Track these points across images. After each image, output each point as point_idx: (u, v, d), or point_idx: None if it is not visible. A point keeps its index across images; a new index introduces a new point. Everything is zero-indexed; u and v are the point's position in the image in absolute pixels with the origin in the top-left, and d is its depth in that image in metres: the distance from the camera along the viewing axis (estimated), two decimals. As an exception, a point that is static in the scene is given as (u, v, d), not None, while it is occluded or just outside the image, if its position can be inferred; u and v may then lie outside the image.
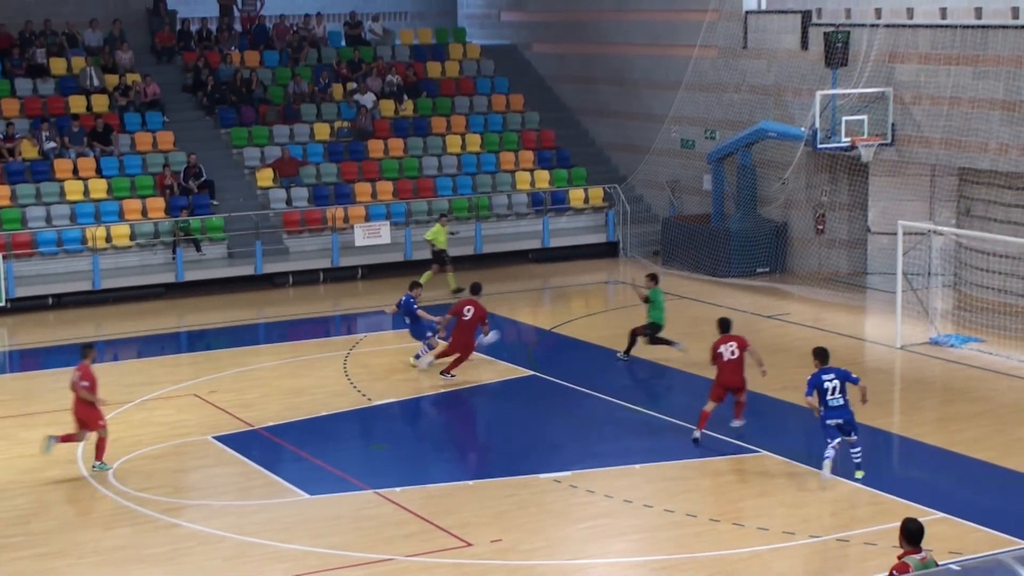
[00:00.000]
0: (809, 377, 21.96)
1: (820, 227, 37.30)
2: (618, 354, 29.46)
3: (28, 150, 38.10)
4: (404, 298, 29.02)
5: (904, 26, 34.83)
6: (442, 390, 27.37)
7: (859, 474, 22.01)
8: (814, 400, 21.78)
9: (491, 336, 28.55)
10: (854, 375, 21.97)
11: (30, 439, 24.34)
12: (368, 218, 38.75)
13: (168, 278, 36.29)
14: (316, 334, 32.71)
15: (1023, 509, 21.44)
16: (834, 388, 21.73)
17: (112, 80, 41.10)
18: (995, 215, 33.53)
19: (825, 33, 35.06)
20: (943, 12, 34.95)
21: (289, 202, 38.91)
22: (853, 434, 21.88)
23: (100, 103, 40.40)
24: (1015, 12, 33.27)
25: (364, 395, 26.99)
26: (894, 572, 14.10)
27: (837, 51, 34.63)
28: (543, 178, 41.79)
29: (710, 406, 23.95)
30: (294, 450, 23.98)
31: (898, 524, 14.47)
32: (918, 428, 24.80)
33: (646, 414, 25.74)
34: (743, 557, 19.24)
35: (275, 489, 22.13)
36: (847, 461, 21.85)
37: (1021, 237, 30.22)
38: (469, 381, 28.07)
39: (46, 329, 33.48)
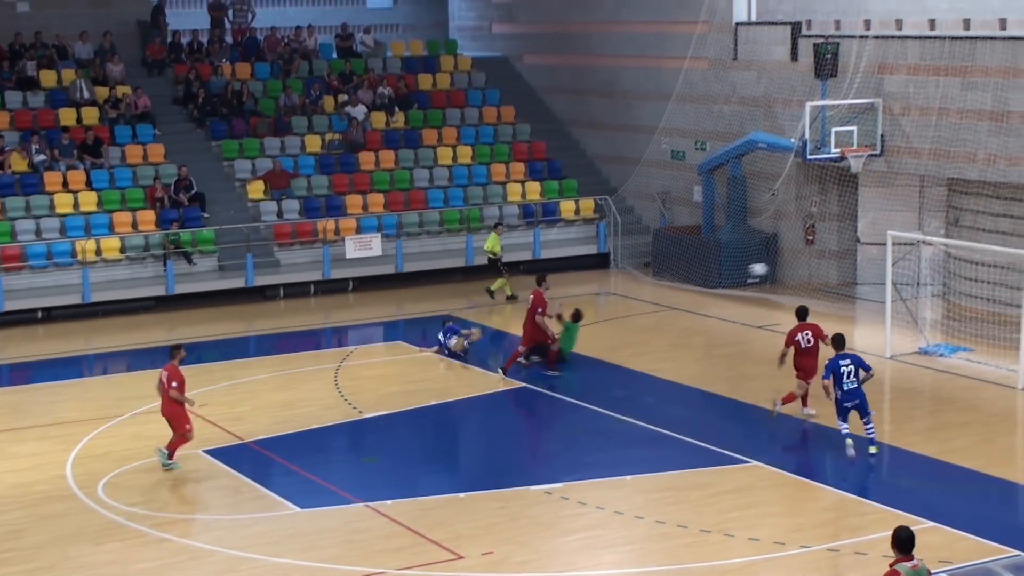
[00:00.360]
0: (827, 362, 23.45)
1: (810, 238, 37.36)
2: (521, 360, 30.00)
3: (18, 163, 38.07)
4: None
5: (893, 37, 34.93)
6: (432, 402, 27.38)
7: (873, 449, 23.62)
8: (830, 383, 23.38)
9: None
10: (866, 363, 23.63)
11: (20, 453, 24.38)
12: (359, 230, 38.76)
13: (159, 291, 36.27)
14: (307, 347, 32.69)
15: (1012, 518, 21.56)
16: (849, 372, 23.37)
17: (102, 93, 41.10)
18: (983, 225, 33.61)
19: (815, 44, 35.13)
20: (932, 23, 35.06)
21: (280, 214, 38.92)
22: (868, 413, 23.58)
23: (90, 116, 40.40)
24: (1003, 23, 33.39)
25: (355, 408, 26.99)
26: (886, 580, 14.21)
27: (826, 62, 34.69)
28: (534, 190, 41.84)
29: (798, 390, 25.40)
30: (285, 463, 23.97)
31: (888, 534, 14.51)
32: (908, 437, 24.83)
33: (637, 425, 25.75)
34: (734, 568, 19.26)
35: (266, 503, 22.13)
36: (853, 463, 21.90)
37: (1009, 247, 30.27)
38: (460, 393, 28.11)
39: (36, 343, 33.46)
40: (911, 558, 14.22)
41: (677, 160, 40.81)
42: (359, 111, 42.43)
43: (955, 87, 32.93)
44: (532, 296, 29.61)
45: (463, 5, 50.80)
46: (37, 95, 40.91)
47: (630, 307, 35.92)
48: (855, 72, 34.57)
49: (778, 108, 37.31)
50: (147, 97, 41.19)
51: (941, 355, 29.72)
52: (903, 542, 14.28)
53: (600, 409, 26.77)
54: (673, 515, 21.18)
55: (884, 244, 30.73)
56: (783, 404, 25.48)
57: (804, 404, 25.78)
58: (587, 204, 41.57)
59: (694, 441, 24.70)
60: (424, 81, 45.46)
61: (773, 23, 38.17)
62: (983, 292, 31.82)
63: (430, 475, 23.83)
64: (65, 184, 37.85)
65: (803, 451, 24.72)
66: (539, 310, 29.27)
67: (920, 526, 19.95)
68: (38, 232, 36.52)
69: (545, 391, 28.11)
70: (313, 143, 41.52)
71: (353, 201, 39.69)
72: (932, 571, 14.66)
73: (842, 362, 23.42)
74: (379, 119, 42.91)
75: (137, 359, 31.77)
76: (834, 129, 34.15)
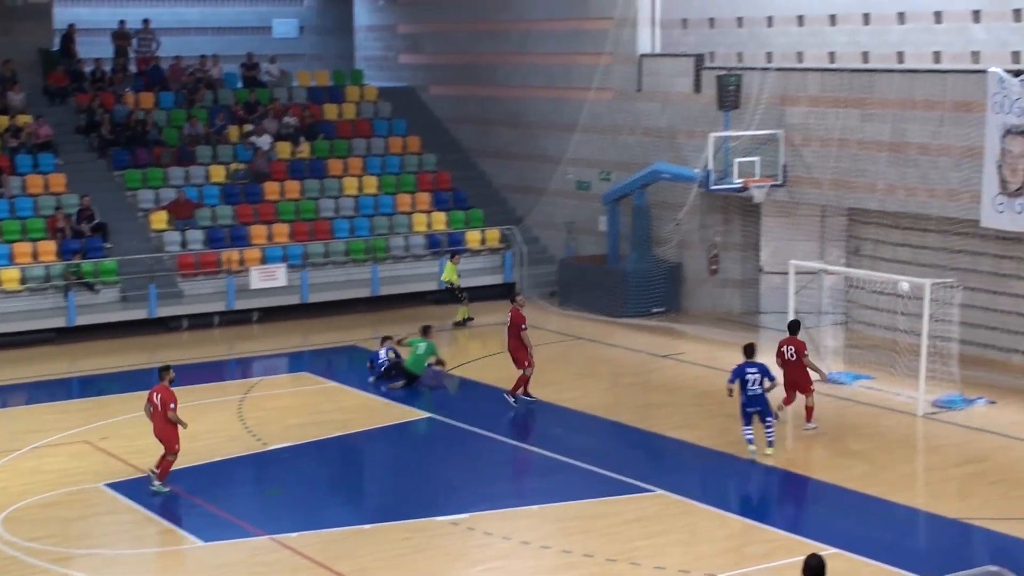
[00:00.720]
0: (735, 367, 24.90)
1: (714, 267, 37.64)
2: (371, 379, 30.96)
3: (-82, 194, 37.65)
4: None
5: (794, 70, 35.33)
6: (337, 434, 27.29)
7: (770, 451, 24.93)
8: (735, 387, 24.85)
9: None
10: (772, 374, 25.03)
11: (-82, 487, 24.05)
12: (264, 261, 38.58)
13: (60, 322, 35.89)
14: (211, 378, 32.46)
15: (914, 543, 21.83)
16: (755, 380, 24.78)
17: (2, 121, 40.67)
18: (883, 254, 34.03)
19: (718, 76, 35.45)
20: (832, 56, 35.53)
21: (184, 245, 38.68)
22: (768, 419, 25.01)
23: (-9, 145, 40.04)
24: (900, 57, 33.90)
25: (259, 439, 26.85)
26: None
27: (729, 94, 35.01)
28: (440, 220, 41.88)
29: (788, 403, 26.95)
30: (188, 496, 23.78)
31: (792, 560, 14.66)
32: (810, 464, 25.08)
33: (543, 454, 25.82)
34: (638, 597, 19.35)
35: (169, 536, 21.97)
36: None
37: (908, 276, 30.67)
38: (364, 424, 28.05)
39: (-64, 375, 33.04)
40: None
41: (582, 190, 41.00)
42: (264, 141, 42.30)
43: (855, 119, 33.35)
44: (511, 314, 29.44)
45: (369, 36, 50.83)
46: (-63, 124, 40.49)
47: (536, 337, 35.78)
48: (757, 104, 34.91)
49: (682, 139, 37.59)
50: (49, 126, 40.83)
51: (843, 383, 30.00)
52: (814, 570, 14.36)
53: (506, 439, 26.82)
54: (579, 544, 21.24)
55: (786, 273, 31.02)
56: (807, 420, 26.90)
57: (808, 419, 26.86)
58: (493, 234, 41.65)
59: (600, 470, 24.79)
60: (330, 111, 45.42)
61: (677, 55, 38.49)
62: (883, 321, 32.18)
63: (335, 507, 23.75)
64: (-35, 214, 37.46)
65: (708, 479, 24.87)
66: (522, 326, 29.22)
67: (823, 552, 20.09)
68: (-63, 263, 36.13)
69: (452, 421, 28.10)
70: (218, 173, 41.32)
71: (258, 231, 39.54)
72: None
73: (749, 369, 24.82)
74: (285, 149, 42.80)
75: (36, 392, 31.44)
76: (737, 160, 34.47)
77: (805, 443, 26.70)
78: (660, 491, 23.57)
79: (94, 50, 45.43)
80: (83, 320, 36.03)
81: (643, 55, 39.18)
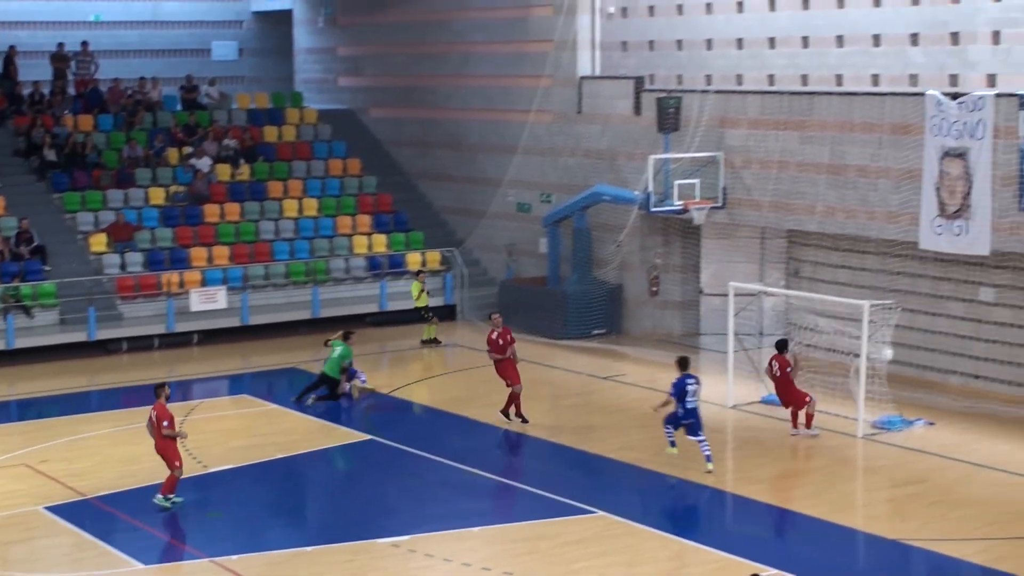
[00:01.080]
0: (675, 380, 25.43)
1: (654, 289, 37.78)
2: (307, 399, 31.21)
3: None
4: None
5: (734, 92, 35.55)
6: (278, 456, 27.20)
7: (710, 466, 25.40)
8: (673, 401, 25.41)
9: None
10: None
11: None
12: (204, 283, 38.43)
13: (-1, 345, 35.74)
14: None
15: (854, 564, 21.92)
16: (694, 392, 25.45)
17: (-60, 144, 40.47)
18: (823, 276, 34.28)
19: (657, 99, 35.63)
20: (771, 79, 35.78)
21: (123, 267, 38.49)
22: (700, 433, 25.51)
23: (-72, 168, 39.75)
24: (839, 79, 34.17)
25: (199, 462, 26.71)
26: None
27: (669, 116, 35.19)
28: (380, 242, 41.84)
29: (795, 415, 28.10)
30: (128, 519, 23.64)
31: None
32: (750, 486, 25.16)
33: (484, 476, 25.81)
34: (580, 618, 19.37)
35: (109, 560, 21.80)
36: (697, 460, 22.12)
37: (847, 297, 30.90)
38: (305, 446, 27.97)
39: None
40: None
41: (523, 212, 41.08)
42: (204, 163, 42.16)
43: (794, 141, 33.59)
44: (490, 336, 29.54)
45: (309, 58, 50.80)
46: None
47: (477, 359, 35.96)
48: (697, 126, 35.11)
49: (622, 161, 37.75)
50: (-14, 149, 40.61)
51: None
52: None
53: (447, 461, 26.79)
54: (521, 566, 21.25)
55: (726, 295, 31.16)
56: (806, 426, 28.03)
57: (807, 425, 27.96)
58: (433, 256, 41.66)
59: (541, 492, 24.82)
60: (270, 133, 45.34)
61: (616, 77, 38.66)
62: (823, 342, 32.34)
63: (277, 529, 23.68)
64: (-99, 237, 37.14)
65: (649, 500, 24.93)
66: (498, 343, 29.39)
67: (765, 574, 20.23)
68: None
69: (393, 443, 28.05)
70: (157, 195, 41.16)
71: (198, 254, 39.39)
72: None
73: (688, 381, 25.46)
74: (224, 171, 42.68)
75: (-25, 415, 31.21)
76: (677, 182, 34.62)
77: (745, 464, 26.81)
78: (601, 512, 23.61)
79: (32, 72, 45.25)
80: (22, 343, 35.75)
81: (583, 77, 39.32)
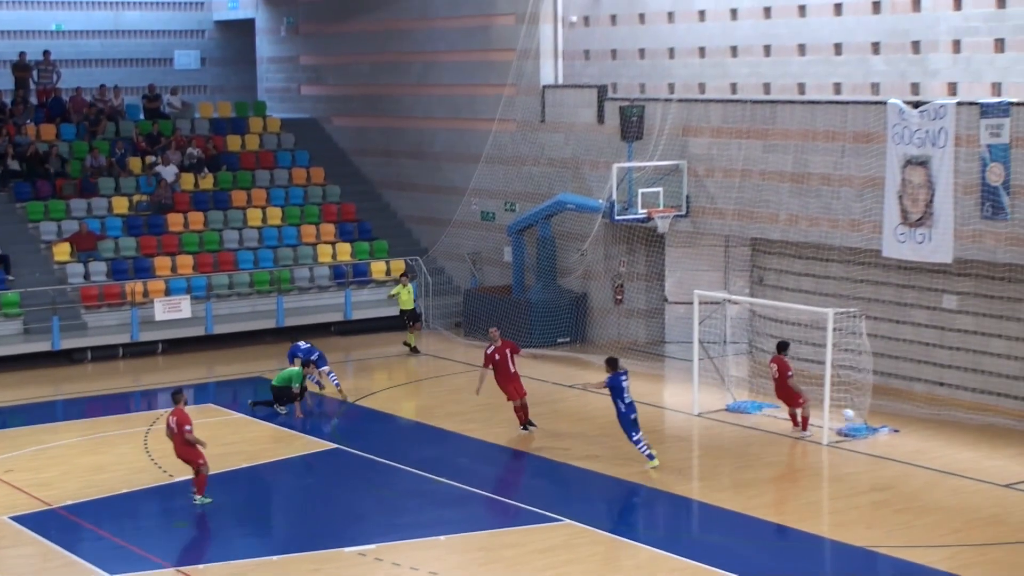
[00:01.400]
0: (608, 378, 26.38)
1: (619, 297, 37.87)
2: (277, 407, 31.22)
3: None
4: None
5: (697, 101, 35.68)
6: (244, 465, 27.16)
7: (655, 463, 26.28)
8: (607, 392, 26.51)
9: None
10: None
11: None
12: (168, 292, 38.34)
13: (-39, 356, 35.56)
14: (116, 410, 32.20)
15: (821, 572, 22.01)
16: (628, 387, 26.45)
17: (-98, 154, 40.24)
18: (786, 284, 34.41)
19: (621, 107, 35.73)
20: (734, 87, 35.94)
21: (87, 276, 38.38)
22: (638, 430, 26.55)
23: None
24: (801, 88, 34.36)
25: (165, 471, 26.65)
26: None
27: (632, 125, 35.30)
28: (345, 251, 41.83)
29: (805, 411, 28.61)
30: (94, 529, 23.59)
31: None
32: (717, 494, 25.24)
33: (449, 485, 25.81)
34: (548, 626, 19.39)
35: (74, 570, 21.74)
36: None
37: (811, 305, 31.04)
38: (271, 455, 27.94)
39: None
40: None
41: (487, 221, 41.13)
42: (167, 172, 42.04)
43: (757, 149, 33.72)
44: (493, 351, 29.36)
45: (271, 67, 50.75)
46: None
47: (441, 367, 36.05)
48: (660, 134, 35.21)
49: (586, 169, 37.84)
50: (-52, 158, 40.41)
51: (747, 411, 30.27)
52: None
53: (412, 469, 26.79)
54: (488, 574, 21.27)
55: (691, 303, 31.26)
56: (802, 429, 28.58)
57: (803, 427, 28.59)
58: (398, 265, 41.64)
59: (507, 500, 24.89)
60: (233, 142, 45.28)
61: (580, 86, 38.76)
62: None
63: (243, 538, 23.64)
64: None
65: (615, 508, 25.00)
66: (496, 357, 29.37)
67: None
68: None
69: (359, 452, 28.04)
70: (120, 204, 41.05)
71: (162, 263, 39.31)
72: None
73: (622, 377, 26.47)
74: (188, 180, 42.60)
75: (-61, 425, 31.06)
76: (641, 190, 34.73)
77: (711, 471, 26.91)
78: (567, 520, 23.64)
79: (-8, 82, 45.19)
80: (-16, 353, 35.70)
81: (546, 86, 39.40)
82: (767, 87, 35.25)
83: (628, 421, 26.43)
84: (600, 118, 37.62)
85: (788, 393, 28.61)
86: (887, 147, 30.49)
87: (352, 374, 35.78)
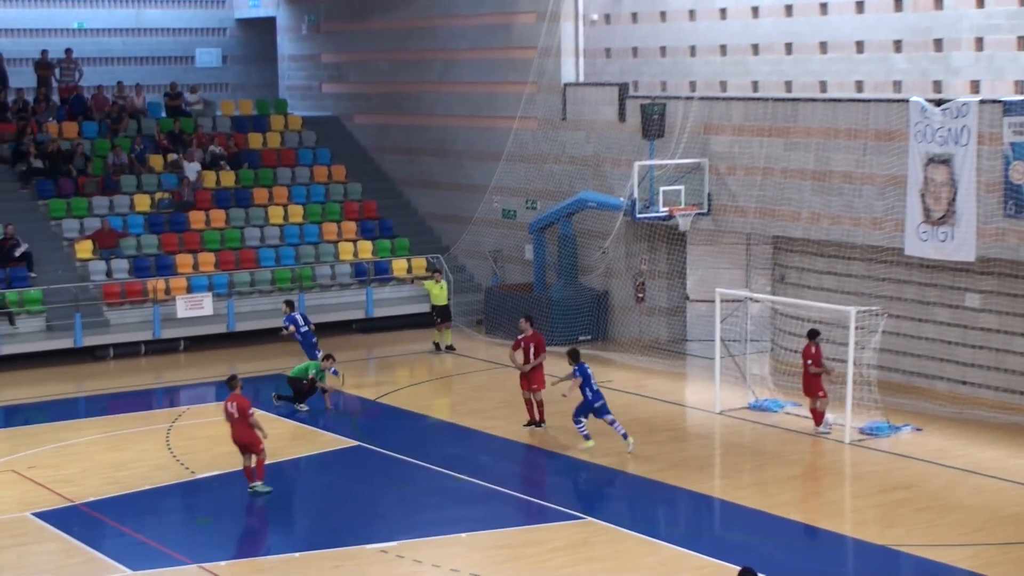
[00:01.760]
0: (577, 368, 27.26)
1: (640, 295, 37.84)
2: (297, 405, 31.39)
3: None
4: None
5: (718, 99, 35.62)
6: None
7: (631, 439, 27.13)
8: (579, 381, 27.14)
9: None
10: None
11: None
12: (190, 289, 38.43)
13: (-17, 352, 35.67)
14: (138, 407, 32.30)
15: (842, 570, 21.97)
16: (593, 375, 27.38)
17: (-76, 152, 40.39)
18: (808, 282, 34.35)
19: (642, 105, 35.70)
20: (755, 85, 35.87)
21: (109, 274, 38.47)
22: (609, 413, 27.30)
23: (-88, 175, 39.66)
24: (823, 86, 34.27)
25: (187, 468, 26.72)
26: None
27: (653, 123, 35.27)
28: (366, 248, 41.87)
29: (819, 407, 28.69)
30: (116, 525, 23.65)
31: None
32: (738, 491, 25.21)
33: (471, 482, 25.82)
34: (569, 623, 19.39)
35: (97, 566, 21.79)
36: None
37: (833, 303, 30.98)
38: (292, 452, 27.98)
39: None
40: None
41: (508, 219, 41.13)
42: (189, 170, 42.13)
43: (778, 147, 33.66)
44: (527, 343, 29.34)
45: (293, 65, 50.82)
46: None
47: (463, 365, 36.06)
48: (681, 132, 35.18)
49: (607, 167, 37.82)
50: (-29, 156, 40.54)
51: (769, 410, 30.23)
52: None
53: (434, 467, 26.80)
54: (509, 572, 21.27)
55: (712, 301, 31.24)
56: (816, 424, 28.63)
57: (817, 422, 28.60)
58: (419, 263, 41.68)
59: (528, 498, 24.88)
60: (254, 140, 45.35)
61: (601, 84, 38.73)
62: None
63: (265, 535, 23.72)
64: None
65: (636, 506, 24.97)
66: (542, 353, 29.46)
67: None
68: None
69: (381, 449, 28.06)
70: (142, 202, 41.13)
71: (183, 260, 39.39)
72: None
73: (586, 366, 27.39)
74: (209, 178, 42.67)
75: (-40, 422, 31.18)
76: (662, 188, 34.68)
77: (732, 469, 26.89)
78: (589, 518, 23.65)
79: (16, 80, 45.28)
80: (8, 350, 35.75)
81: (567, 84, 39.39)
82: (788, 85, 35.17)
83: (591, 408, 27.21)
84: (621, 116, 37.60)
85: (807, 382, 28.65)
86: (909, 145, 30.43)
87: (374, 371, 35.82)
